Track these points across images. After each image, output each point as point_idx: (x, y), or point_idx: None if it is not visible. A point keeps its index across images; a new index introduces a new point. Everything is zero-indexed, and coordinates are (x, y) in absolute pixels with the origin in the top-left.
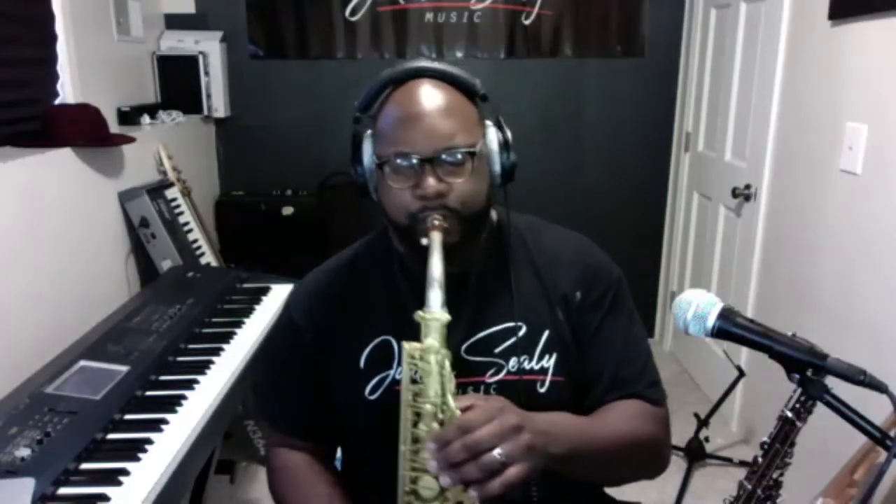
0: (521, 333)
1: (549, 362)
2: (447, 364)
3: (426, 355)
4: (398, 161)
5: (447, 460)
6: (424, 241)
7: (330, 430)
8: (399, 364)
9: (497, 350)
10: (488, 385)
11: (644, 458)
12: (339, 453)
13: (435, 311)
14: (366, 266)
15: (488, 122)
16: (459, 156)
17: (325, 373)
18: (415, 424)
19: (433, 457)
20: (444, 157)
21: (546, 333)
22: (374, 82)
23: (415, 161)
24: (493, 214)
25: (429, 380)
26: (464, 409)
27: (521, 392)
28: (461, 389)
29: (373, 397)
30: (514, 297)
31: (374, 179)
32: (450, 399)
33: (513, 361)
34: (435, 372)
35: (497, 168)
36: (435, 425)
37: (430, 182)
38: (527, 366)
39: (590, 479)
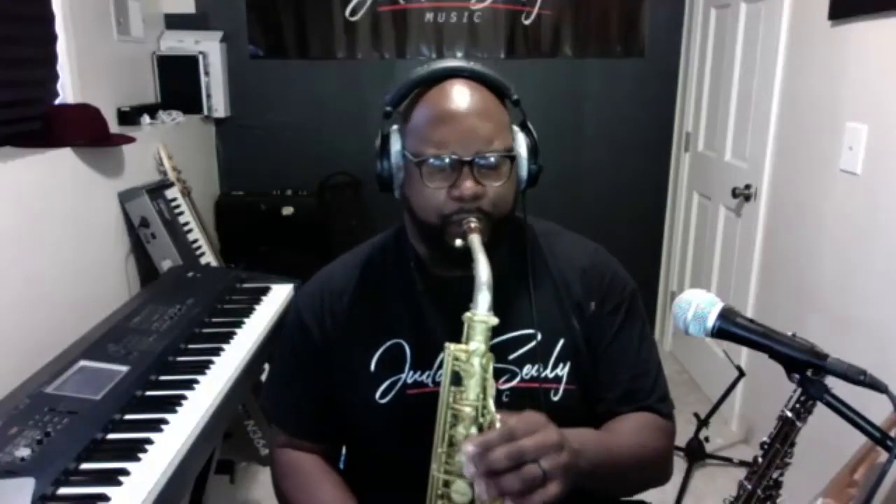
0: (535, 341)
1: (563, 371)
2: (490, 368)
3: (471, 357)
4: (437, 161)
5: (488, 467)
6: (458, 243)
7: (337, 431)
8: (411, 368)
9: (511, 357)
10: (501, 391)
11: (653, 472)
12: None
13: (483, 313)
14: (379, 267)
15: (515, 127)
16: (497, 159)
17: (334, 374)
18: (452, 426)
19: (472, 461)
20: (483, 159)
21: (561, 342)
22: (407, 78)
23: (454, 162)
24: None
25: (471, 382)
26: (503, 418)
27: (535, 400)
28: None
29: (383, 401)
30: (532, 304)
31: (400, 176)
32: (490, 403)
33: (527, 369)
34: (478, 375)
35: (524, 173)
36: (473, 430)
37: (468, 184)
38: (541, 374)
39: (600, 492)
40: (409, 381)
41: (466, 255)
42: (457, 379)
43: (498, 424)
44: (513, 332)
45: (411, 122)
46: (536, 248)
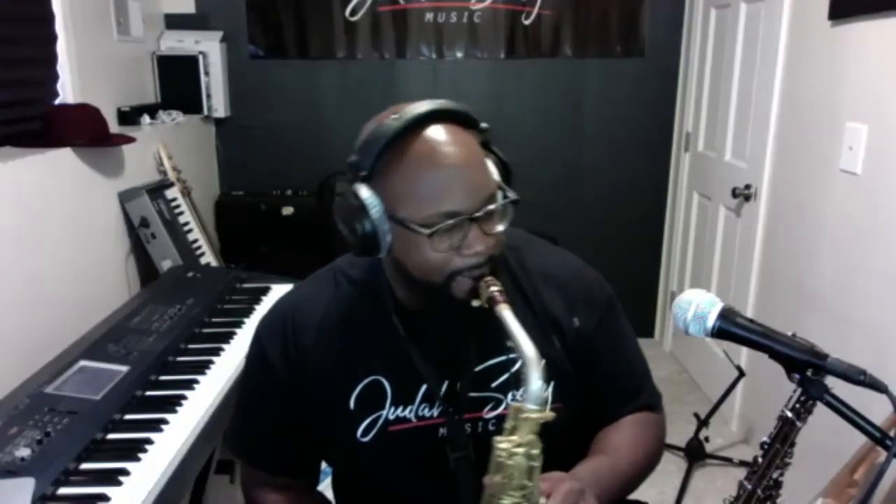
0: (516, 366)
1: (548, 391)
2: (539, 457)
3: (521, 450)
4: (449, 223)
5: None
6: (476, 304)
7: (311, 464)
8: (392, 404)
9: (494, 384)
10: (486, 421)
11: (650, 469)
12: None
13: (539, 406)
14: (351, 299)
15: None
16: (502, 205)
17: (307, 411)
18: None
19: None
20: (490, 209)
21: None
22: (377, 135)
23: (463, 221)
24: None
25: (517, 472)
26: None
27: None
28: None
29: (365, 440)
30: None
31: (387, 238)
32: (536, 487)
33: (510, 395)
34: (526, 465)
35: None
36: None
37: (482, 239)
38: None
39: None
40: (391, 417)
41: (467, 304)
42: (499, 466)
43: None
44: (492, 360)
45: (397, 183)
46: (507, 267)
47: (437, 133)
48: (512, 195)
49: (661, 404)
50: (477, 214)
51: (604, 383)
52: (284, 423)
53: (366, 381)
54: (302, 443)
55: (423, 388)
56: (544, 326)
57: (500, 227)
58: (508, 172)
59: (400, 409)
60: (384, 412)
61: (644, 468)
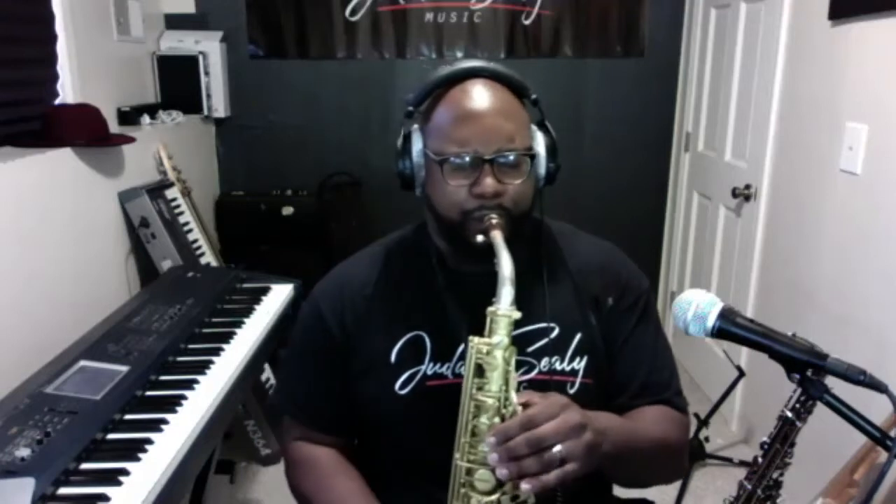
0: (553, 334)
1: (580, 364)
2: (513, 361)
3: (494, 350)
4: (458, 159)
5: (509, 454)
6: (479, 239)
7: (353, 424)
8: (431, 360)
9: (529, 349)
10: (518, 384)
11: (670, 462)
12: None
13: (506, 308)
14: (399, 260)
15: (534, 126)
16: (517, 157)
17: (352, 367)
18: (474, 417)
19: (494, 449)
20: (503, 157)
21: (578, 336)
22: (430, 78)
23: (475, 159)
24: None
25: (493, 374)
26: (524, 405)
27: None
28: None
29: (403, 392)
30: (548, 297)
31: (421, 174)
32: (512, 394)
33: (544, 361)
34: (501, 367)
35: (542, 171)
36: (496, 419)
37: (489, 182)
38: (558, 367)
39: (621, 479)
40: (430, 372)
41: (487, 250)
42: (479, 371)
43: (519, 409)
44: (531, 326)
45: (432, 121)
46: (553, 245)
47: (476, 84)
48: (539, 152)
49: (687, 410)
50: (487, 156)
51: (626, 369)
52: (332, 381)
53: (408, 335)
54: (345, 400)
55: (462, 346)
56: (583, 302)
57: (517, 181)
58: (554, 146)
59: (438, 365)
60: (423, 367)
61: (661, 452)
